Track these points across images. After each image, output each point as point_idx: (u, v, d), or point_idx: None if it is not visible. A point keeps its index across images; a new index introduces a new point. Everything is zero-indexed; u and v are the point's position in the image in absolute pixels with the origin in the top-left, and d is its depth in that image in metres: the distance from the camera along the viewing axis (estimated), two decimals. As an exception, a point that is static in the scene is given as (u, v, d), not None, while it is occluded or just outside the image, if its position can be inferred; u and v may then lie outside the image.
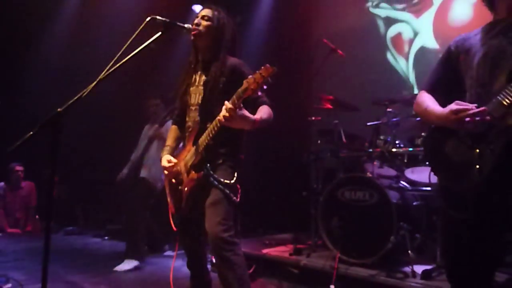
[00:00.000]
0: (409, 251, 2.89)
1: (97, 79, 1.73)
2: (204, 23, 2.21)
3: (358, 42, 5.07)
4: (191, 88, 2.29)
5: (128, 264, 3.83)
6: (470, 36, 1.67)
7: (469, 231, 1.53)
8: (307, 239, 3.72)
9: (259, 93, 2.06)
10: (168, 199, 2.37)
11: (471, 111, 1.44)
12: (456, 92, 1.63)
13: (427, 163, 1.77)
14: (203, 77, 2.25)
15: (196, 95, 2.26)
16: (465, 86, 1.62)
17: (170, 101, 4.07)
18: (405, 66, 4.83)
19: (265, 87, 1.82)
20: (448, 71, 1.71)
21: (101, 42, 4.85)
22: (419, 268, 2.78)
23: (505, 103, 1.41)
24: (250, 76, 1.82)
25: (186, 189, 2.19)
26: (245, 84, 1.83)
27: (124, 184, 4.17)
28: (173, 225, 2.32)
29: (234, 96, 1.87)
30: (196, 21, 2.22)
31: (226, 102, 1.88)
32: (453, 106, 1.51)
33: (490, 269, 1.61)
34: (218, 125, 1.99)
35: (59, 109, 1.61)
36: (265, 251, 3.53)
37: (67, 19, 5.48)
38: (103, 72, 1.75)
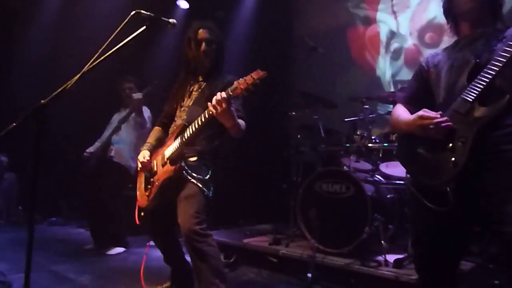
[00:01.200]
0: (382, 241, 2.99)
1: (81, 72, 1.76)
2: (213, 46, 2.37)
3: (338, 40, 5.18)
4: (186, 93, 2.41)
5: (116, 250, 3.94)
6: (438, 53, 1.82)
7: (441, 222, 1.61)
8: (287, 229, 3.80)
9: (239, 108, 2.20)
10: (137, 193, 2.43)
11: (435, 120, 1.56)
12: (428, 103, 1.74)
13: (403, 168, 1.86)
14: (199, 85, 2.39)
15: (189, 99, 2.38)
16: (435, 97, 1.75)
17: (145, 85, 4.05)
18: (382, 64, 4.96)
19: (253, 89, 1.90)
20: (421, 84, 1.84)
21: (86, 35, 4.83)
22: (391, 257, 2.87)
23: (469, 99, 1.53)
24: (241, 78, 1.92)
25: (158, 181, 2.25)
26: (235, 84, 1.92)
27: (90, 164, 4.06)
28: (137, 219, 2.36)
29: (225, 92, 1.95)
30: (203, 48, 2.33)
31: (222, 92, 1.96)
32: (420, 112, 1.63)
33: (456, 259, 1.71)
34: (205, 118, 2.06)
35: (42, 101, 1.63)
36: (245, 241, 3.62)
37: (52, 11, 5.43)
38: (88, 65, 1.79)
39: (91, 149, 4.12)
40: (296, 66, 4.06)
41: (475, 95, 1.51)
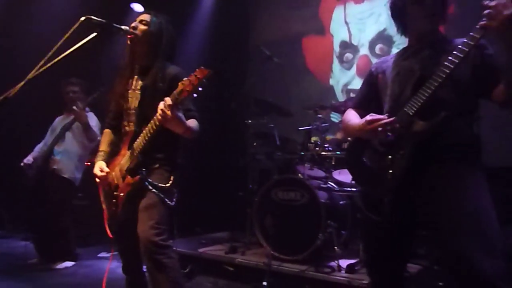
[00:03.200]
0: (336, 247, 3.07)
1: (26, 79, 1.69)
2: (141, 27, 2.19)
3: (293, 50, 5.29)
4: (129, 92, 2.27)
5: (64, 264, 3.73)
6: (387, 59, 1.90)
7: (384, 230, 1.69)
8: (243, 237, 3.80)
9: (189, 107, 2.12)
10: (103, 206, 2.32)
11: (382, 121, 1.63)
12: (377, 108, 1.82)
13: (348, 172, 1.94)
14: (140, 82, 2.25)
15: (133, 99, 2.25)
16: (382, 103, 1.82)
17: (90, 90, 3.89)
18: (335, 73, 5.10)
19: (200, 89, 1.84)
20: (370, 89, 1.91)
21: (34, 38, 4.59)
22: (344, 263, 2.96)
23: (410, 113, 1.59)
24: (186, 79, 1.83)
25: (122, 194, 2.17)
26: (180, 86, 1.84)
27: (31, 175, 3.80)
28: (108, 232, 2.27)
29: (171, 97, 1.87)
30: (133, 24, 2.20)
31: (166, 98, 1.87)
32: (367, 117, 1.69)
33: (403, 262, 1.79)
34: (155, 125, 1.99)
35: (-18, 110, 1.56)
36: (201, 250, 3.58)
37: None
38: (33, 71, 1.71)
39: (29, 159, 3.87)
40: (252, 75, 4.12)
41: (415, 109, 1.58)
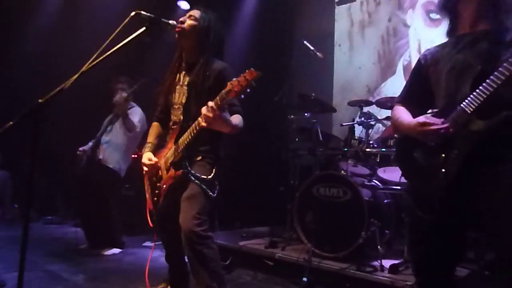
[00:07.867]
0: (379, 246, 2.99)
1: (80, 71, 1.76)
2: (189, 22, 2.24)
3: (337, 45, 5.21)
4: (176, 87, 2.32)
5: (111, 250, 3.90)
6: (438, 49, 1.75)
7: (434, 230, 1.62)
8: (283, 232, 3.80)
9: (234, 102, 2.11)
10: (147, 196, 2.40)
11: (435, 126, 1.54)
12: (427, 102, 1.74)
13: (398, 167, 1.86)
14: (187, 77, 2.28)
15: (180, 94, 2.30)
16: (434, 97, 1.71)
17: (137, 84, 3.94)
18: (380, 69, 4.97)
19: (248, 90, 1.83)
20: (419, 83, 1.79)
21: (86, 34, 4.81)
22: (387, 263, 2.88)
23: (468, 110, 1.49)
24: (235, 79, 1.83)
25: (164, 186, 2.23)
26: (229, 86, 1.84)
27: (81, 165, 3.96)
28: (150, 221, 2.33)
29: (218, 97, 1.88)
30: (181, 18, 2.25)
31: (209, 102, 1.89)
32: (421, 118, 1.60)
33: (452, 265, 1.70)
34: (198, 126, 2.01)
35: (40, 100, 1.61)
36: (242, 243, 3.61)
37: (51, 11, 5.41)
38: (86, 64, 1.78)
39: (85, 148, 4.06)
40: (296, 69, 4.09)
41: (474, 107, 1.47)
